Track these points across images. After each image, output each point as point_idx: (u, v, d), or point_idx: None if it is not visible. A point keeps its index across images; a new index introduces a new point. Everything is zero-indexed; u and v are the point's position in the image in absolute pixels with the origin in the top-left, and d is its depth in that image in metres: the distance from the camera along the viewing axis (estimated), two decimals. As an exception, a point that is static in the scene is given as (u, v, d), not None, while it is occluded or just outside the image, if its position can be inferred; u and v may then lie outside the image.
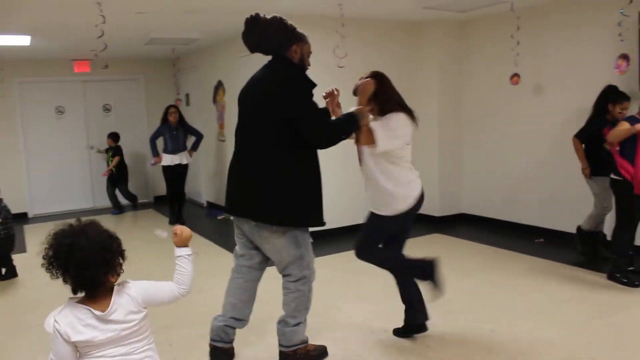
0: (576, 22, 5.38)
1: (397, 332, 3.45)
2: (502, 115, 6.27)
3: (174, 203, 7.50)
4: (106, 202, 8.85)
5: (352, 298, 4.21)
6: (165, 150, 7.29)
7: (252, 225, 2.84)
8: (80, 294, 1.79)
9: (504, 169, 6.31)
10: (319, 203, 2.90)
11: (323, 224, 2.94)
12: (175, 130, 7.24)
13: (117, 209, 8.60)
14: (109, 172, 8.55)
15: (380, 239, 3.28)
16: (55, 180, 8.78)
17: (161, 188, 9.48)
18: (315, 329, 3.59)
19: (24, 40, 6.47)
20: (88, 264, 1.68)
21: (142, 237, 6.53)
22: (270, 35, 2.81)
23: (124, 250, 1.80)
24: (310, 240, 3.01)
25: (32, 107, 8.59)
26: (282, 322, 3.04)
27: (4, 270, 5.11)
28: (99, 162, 9.20)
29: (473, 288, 4.34)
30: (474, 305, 3.97)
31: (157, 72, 9.40)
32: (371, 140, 2.99)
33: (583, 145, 4.82)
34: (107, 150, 8.72)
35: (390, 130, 3.02)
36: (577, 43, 5.38)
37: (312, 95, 2.80)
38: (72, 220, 1.80)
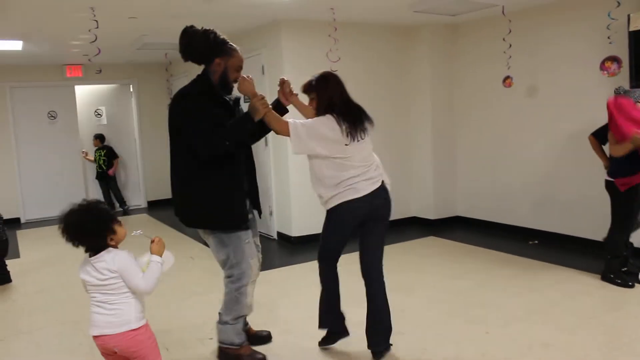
0: (566, 24, 5.42)
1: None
2: (496, 118, 6.30)
3: None
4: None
5: (352, 301, 4.21)
6: None
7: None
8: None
9: (498, 171, 6.34)
10: (230, 206, 2.97)
11: (240, 225, 3.00)
12: None
13: (123, 205, 9.09)
14: (113, 172, 8.94)
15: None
16: (48, 185, 8.74)
17: (154, 193, 9.49)
18: (313, 331, 3.60)
19: (16, 45, 6.45)
20: (76, 238, 2.23)
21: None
22: (193, 46, 2.93)
23: (108, 221, 2.25)
24: (247, 240, 3.04)
25: (24, 112, 8.56)
26: (219, 316, 3.17)
27: None
28: (92, 167, 9.20)
29: (468, 290, 4.36)
30: (469, 307, 3.98)
31: (150, 76, 9.40)
32: (282, 128, 2.96)
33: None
34: (96, 151, 8.91)
35: (306, 125, 2.97)
36: (568, 45, 5.42)
37: (202, 109, 2.87)
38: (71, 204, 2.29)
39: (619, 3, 4.67)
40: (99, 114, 9.62)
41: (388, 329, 3.18)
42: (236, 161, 3.03)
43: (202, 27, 2.95)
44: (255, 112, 2.88)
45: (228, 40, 2.99)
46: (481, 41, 6.35)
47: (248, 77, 2.99)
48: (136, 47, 7.03)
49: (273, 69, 6.08)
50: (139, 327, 2.27)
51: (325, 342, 3.34)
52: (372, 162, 3.10)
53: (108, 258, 2.22)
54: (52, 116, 8.79)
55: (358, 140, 3.00)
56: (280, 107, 3.19)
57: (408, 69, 6.77)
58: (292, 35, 5.92)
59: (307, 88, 3.09)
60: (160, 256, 2.35)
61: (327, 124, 2.96)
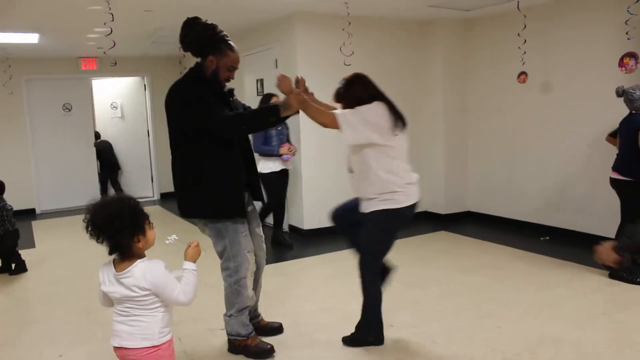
0: (583, 20, 5.38)
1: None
2: (509, 114, 6.27)
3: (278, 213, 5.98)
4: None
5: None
6: (272, 152, 5.59)
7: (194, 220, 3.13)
8: (117, 256, 2.07)
9: (510, 167, 6.32)
10: (227, 195, 2.99)
11: (235, 215, 3.02)
12: (281, 125, 5.60)
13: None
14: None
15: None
16: (63, 177, 8.85)
17: (167, 185, 9.58)
18: (324, 323, 3.62)
19: (32, 38, 6.53)
20: (105, 232, 1.99)
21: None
22: (189, 38, 2.96)
23: (142, 218, 2.05)
24: (244, 232, 3.04)
25: (40, 104, 8.65)
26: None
27: (13, 266, 5.17)
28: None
29: (479, 285, 4.36)
30: (480, 301, 3.98)
31: (164, 70, 9.45)
32: (327, 120, 2.93)
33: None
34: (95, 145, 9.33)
35: (354, 113, 2.93)
36: (584, 41, 5.38)
37: (203, 97, 2.90)
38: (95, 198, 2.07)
39: (636, -1, 4.62)
40: (114, 107, 9.74)
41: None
42: (234, 152, 3.04)
43: (205, 21, 2.96)
44: (287, 108, 2.89)
45: (227, 38, 2.98)
46: (495, 37, 6.32)
47: (300, 78, 3.02)
48: (151, 41, 7.08)
49: (287, 62, 6.09)
50: (161, 344, 2.12)
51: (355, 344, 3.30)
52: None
53: (137, 273, 2.02)
54: (67, 108, 8.88)
55: (402, 132, 3.01)
56: (272, 102, 3.20)
57: (421, 63, 6.75)
58: (306, 29, 5.92)
59: (336, 97, 3.09)
60: (194, 262, 2.20)
61: (376, 110, 2.95)
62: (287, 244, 5.81)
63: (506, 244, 5.54)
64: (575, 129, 5.54)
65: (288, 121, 4.55)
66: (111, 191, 9.62)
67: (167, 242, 2.40)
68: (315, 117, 2.94)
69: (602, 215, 5.29)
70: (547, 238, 5.72)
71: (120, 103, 9.74)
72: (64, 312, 4.04)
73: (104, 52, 5.79)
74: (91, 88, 9.26)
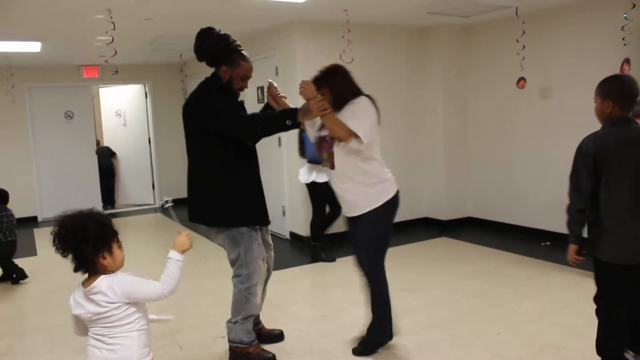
0: (581, 26, 5.40)
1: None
2: (509, 119, 6.28)
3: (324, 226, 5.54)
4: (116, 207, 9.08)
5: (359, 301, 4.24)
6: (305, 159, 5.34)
7: (204, 227, 3.16)
8: (84, 275, 1.98)
9: (510, 172, 6.33)
10: (248, 203, 3.07)
11: (262, 222, 3.14)
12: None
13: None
14: None
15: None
16: (65, 184, 8.87)
17: (168, 192, 9.58)
18: (325, 331, 3.62)
19: (34, 47, 6.56)
20: (69, 243, 1.90)
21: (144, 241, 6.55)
22: (203, 49, 3.01)
23: (109, 234, 1.95)
24: (258, 241, 3.07)
25: (42, 112, 8.69)
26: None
27: (14, 275, 5.18)
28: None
29: (480, 290, 4.36)
30: (481, 307, 3.98)
31: (165, 77, 9.50)
32: (346, 134, 2.88)
33: None
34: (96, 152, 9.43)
35: (363, 118, 2.92)
36: (583, 47, 5.39)
37: (226, 101, 3.00)
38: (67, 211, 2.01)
39: (634, 5, 4.64)
40: (119, 115, 9.80)
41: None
42: (252, 159, 3.12)
43: (219, 31, 3.01)
44: (307, 113, 2.90)
45: (240, 48, 3.03)
46: (495, 43, 6.34)
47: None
48: (152, 48, 7.12)
49: (287, 70, 6.11)
50: None
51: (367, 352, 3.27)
52: None
53: (104, 286, 1.90)
54: (69, 116, 8.91)
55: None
56: (270, 110, 3.22)
57: (421, 69, 6.77)
58: (306, 36, 5.95)
59: (316, 84, 2.99)
60: (182, 254, 2.08)
61: (372, 107, 2.98)
62: (326, 259, 5.42)
63: (507, 250, 5.54)
64: (575, 134, 5.51)
65: None
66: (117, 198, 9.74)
67: (165, 206, 2.42)
68: (334, 129, 2.91)
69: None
70: (548, 243, 5.71)
71: (123, 110, 9.80)
72: (64, 321, 4.03)
73: (106, 61, 5.82)
74: (92, 96, 9.30)
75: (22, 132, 8.52)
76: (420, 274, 4.91)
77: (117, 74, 8.02)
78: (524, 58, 5.67)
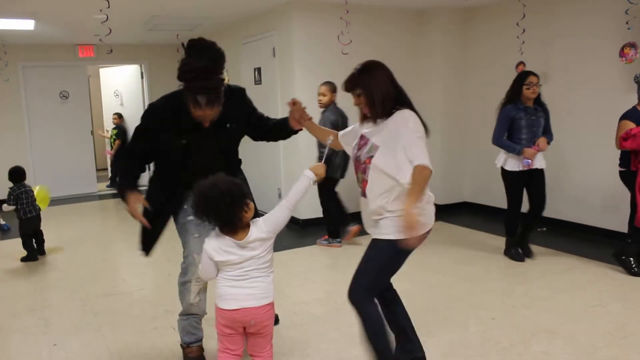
0: (582, 10, 5.34)
1: None
2: (507, 104, 6.23)
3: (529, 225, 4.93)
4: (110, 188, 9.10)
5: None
6: (511, 149, 4.78)
7: None
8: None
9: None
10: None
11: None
12: (534, 115, 4.66)
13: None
14: (112, 154, 9.23)
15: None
16: (60, 165, 8.83)
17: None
18: (318, 314, 3.62)
19: (28, 25, 6.47)
20: (220, 208, 2.12)
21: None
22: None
23: (245, 191, 2.22)
24: (195, 234, 2.80)
25: (36, 91, 8.61)
26: None
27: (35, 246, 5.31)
28: (103, 148, 9.34)
29: (474, 275, 4.37)
30: (475, 292, 3.99)
31: (162, 58, 9.40)
32: (427, 178, 2.63)
33: None
34: (113, 129, 9.25)
35: (422, 144, 2.67)
36: (583, 31, 5.34)
37: (143, 124, 3.12)
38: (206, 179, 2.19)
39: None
40: (117, 95, 9.73)
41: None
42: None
43: (186, 55, 2.72)
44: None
45: (196, 89, 2.70)
46: (494, 26, 6.27)
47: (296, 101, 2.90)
48: (147, 28, 7.03)
49: (284, 51, 6.05)
50: (272, 302, 2.29)
51: None
52: None
53: (256, 234, 2.22)
54: (64, 96, 8.83)
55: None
56: (287, 129, 2.97)
57: (420, 52, 6.71)
58: (304, 18, 5.88)
59: (350, 85, 2.64)
60: (317, 175, 2.42)
61: (419, 122, 2.70)
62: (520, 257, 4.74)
63: (502, 235, 5.52)
64: (573, 119, 5.51)
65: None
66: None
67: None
68: (423, 189, 2.74)
69: (600, 207, 5.29)
70: (544, 229, 5.71)
71: (120, 91, 9.73)
72: (59, 301, 4.04)
73: (100, 40, 5.75)
74: (88, 76, 9.21)
75: (16, 112, 8.44)
76: (414, 258, 4.88)
77: (113, 54, 7.95)
78: (523, 42, 5.61)
